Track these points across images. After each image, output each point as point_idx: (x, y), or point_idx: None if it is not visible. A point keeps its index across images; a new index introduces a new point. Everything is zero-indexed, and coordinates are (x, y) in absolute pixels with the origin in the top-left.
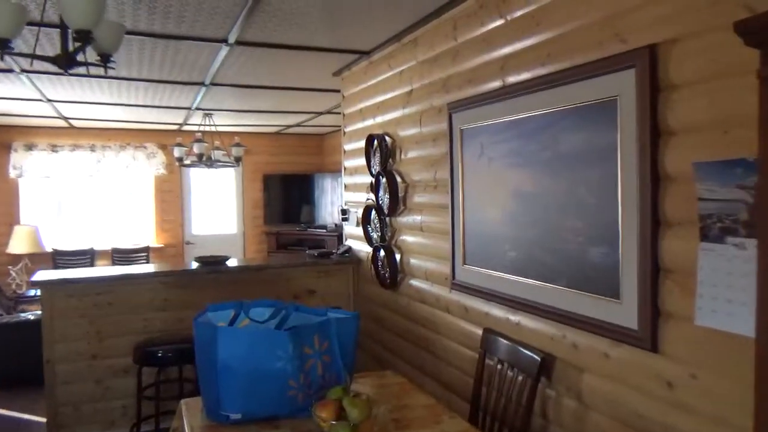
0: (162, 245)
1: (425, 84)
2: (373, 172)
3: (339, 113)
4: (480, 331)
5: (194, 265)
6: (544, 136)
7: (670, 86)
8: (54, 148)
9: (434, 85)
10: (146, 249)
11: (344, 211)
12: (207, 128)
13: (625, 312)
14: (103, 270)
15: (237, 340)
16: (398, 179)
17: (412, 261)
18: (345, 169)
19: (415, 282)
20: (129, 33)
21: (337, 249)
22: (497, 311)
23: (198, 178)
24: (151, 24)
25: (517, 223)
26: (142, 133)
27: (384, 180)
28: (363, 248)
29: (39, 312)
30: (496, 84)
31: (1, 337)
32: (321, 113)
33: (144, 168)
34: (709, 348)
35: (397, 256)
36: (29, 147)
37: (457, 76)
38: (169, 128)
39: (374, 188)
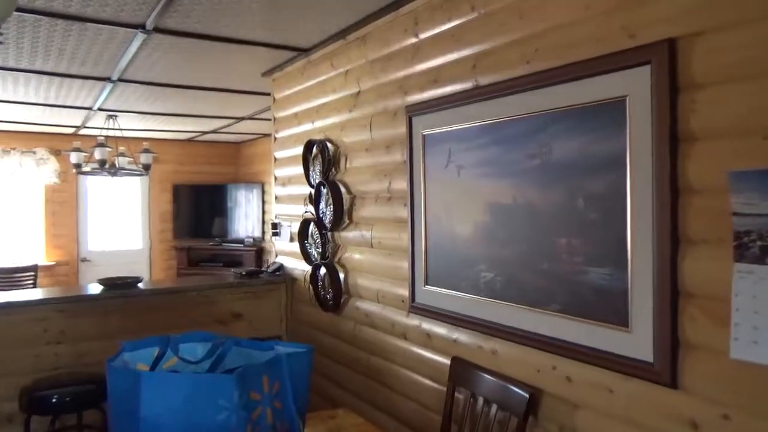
0: (53, 263)
1: (377, 85)
2: (313, 183)
3: (262, 119)
4: (446, 360)
5: (97, 288)
6: (530, 142)
7: (694, 85)
8: None
9: (389, 86)
10: (34, 268)
11: (275, 225)
12: (110, 132)
13: (637, 342)
14: None
15: (167, 389)
16: (343, 190)
17: (360, 281)
18: (276, 178)
19: (363, 304)
20: (22, 10)
21: (267, 267)
22: (467, 338)
23: (97, 188)
24: (50, 1)
25: (494, 241)
26: (30, 137)
27: (326, 191)
28: (298, 266)
29: None
30: (467, 85)
31: None
32: (242, 119)
33: (32, 176)
34: (746, 384)
35: (341, 275)
36: None
37: (418, 76)
38: (64, 131)
39: (314, 200)
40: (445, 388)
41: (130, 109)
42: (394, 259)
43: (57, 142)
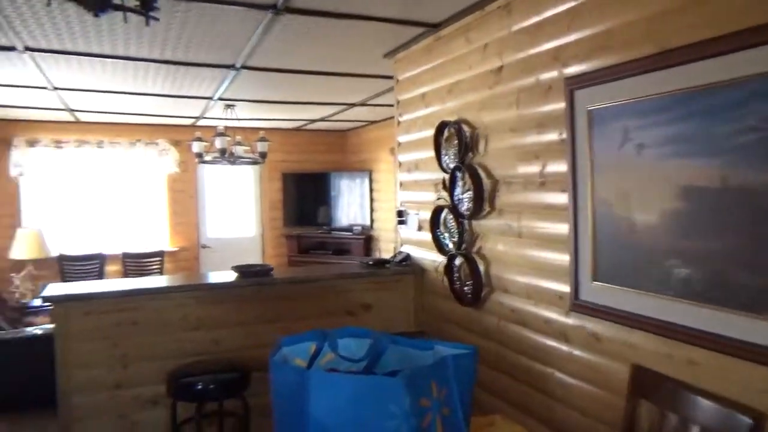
0: (176, 249)
1: (524, 57)
2: (446, 167)
3: (374, 105)
4: (619, 367)
5: (231, 276)
6: (744, 113)
7: None
8: (58, 144)
9: (540, 57)
10: (160, 253)
11: (400, 213)
12: (228, 122)
13: None
14: (125, 282)
15: (335, 391)
16: (482, 175)
17: (504, 274)
18: (400, 165)
19: (508, 299)
20: None
21: (393, 257)
22: (650, 343)
23: (213, 177)
24: None
25: (691, 231)
26: (153, 129)
27: (462, 176)
28: (426, 256)
29: (49, 326)
30: (647, 50)
31: (6, 355)
32: (354, 105)
33: (155, 166)
34: None
35: (481, 267)
36: (31, 143)
37: (578, 44)
38: (183, 123)
39: (448, 186)
40: (618, 399)
41: (247, 97)
42: (547, 250)
43: (176, 134)
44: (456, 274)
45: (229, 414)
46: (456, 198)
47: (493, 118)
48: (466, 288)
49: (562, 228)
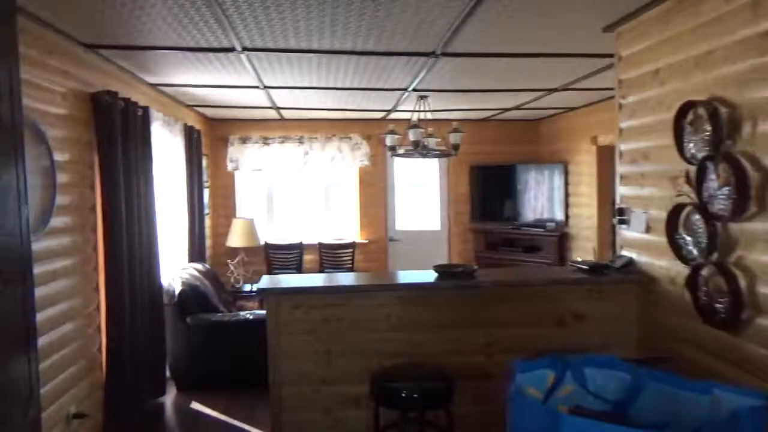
0: (365, 241)
1: None
2: (690, 157)
3: (576, 89)
4: None
5: (431, 276)
6: None
7: None
8: (265, 140)
9: None
10: (352, 245)
11: (621, 211)
12: (417, 115)
13: None
14: (332, 278)
15: None
16: (747, 167)
17: None
18: (621, 155)
19: None
20: None
21: (611, 261)
22: None
23: (401, 170)
24: None
25: None
26: (346, 124)
27: (717, 168)
28: (655, 262)
29: (258, 311)
30: None
31: (223, 336)
32: (554, 90)
33: (348, 160)
34: None
35: (741, 282)
36: (244, 140)
37: None
38: (374, 117)
39: (694, 180)
40: None
41: (441, 87)
42: None
43: (367, 128)
44: (703, 288)
45: (429, 423)
46: (706, 195)
47: (763, 94)
48: (717, 306)
49: None
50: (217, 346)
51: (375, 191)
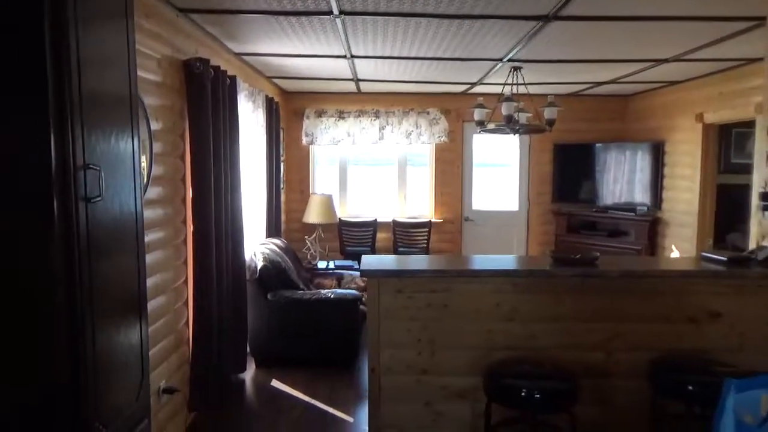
0: (440, 220)
1: None
2: None
3: (694, 60)
4: None
5: (545, 262)
6: None
7: None
8: (341, 114)
9: None
10: (428, 224)
11: (766, 196)
12: (510, 88)
13: None
14: (438, 261)
15: None
16: None
17: None
18: None
19: None
20: None
21: (755, 253)
22: None
23: (479, 147)
24: None
25: None
26: (424, 98)
27: None
28: None
29: (339, 291)
30: None
31: (304, 314)
32: (664, 61)
33: (425, 135)
34: None
35: None
36: (319, 114)
37: None
38: (454, 90)
39: None
40: None
41: (537, 58)
42: None
43: (447, 102)
44: None
45: (544, 424)
46: None
47: None
48: None
49: None
50: (297, 323)
51: (451, 168)
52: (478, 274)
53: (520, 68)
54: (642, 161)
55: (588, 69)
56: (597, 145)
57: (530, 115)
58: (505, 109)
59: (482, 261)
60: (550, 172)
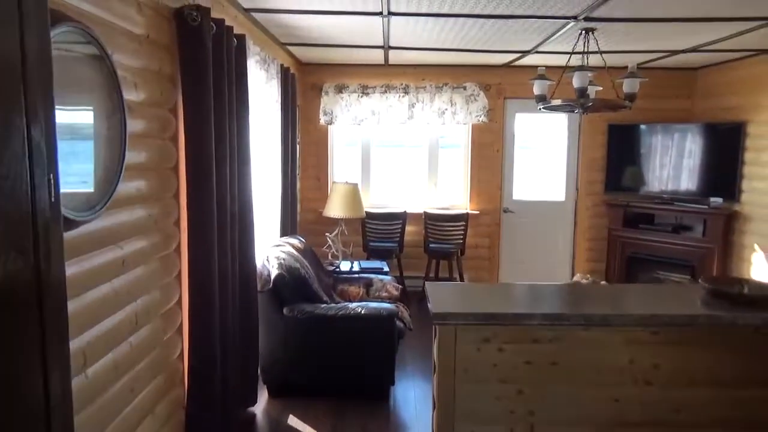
0: (476, 212)
1: None
2: None
3: None
4: None
5: (696, 294)
6: None
7: None
8: (365, 90)
9: None
10: (464, 217)
11: None
12: (576, 57)
13: None
14: (534, 294)
15: None
16: None
17: None
18: None
19: None
20: None
21: None
22: None
23: (522, 128)
24: None
25: None
26: (460, 71)
27: None
28: None
29: (370, 303)
30: None
31: (327, 332)
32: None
33: (461, 114)
34: None
35: None
36: (340, 89)
37: None
38: (495, 62)
39: None
40: None
41: (618, 16)
42: None
43: (487, 76)
44: None
45: None
46: None
47: None
48: None
49: None
50: (319, 344)
51: (491, 153)
52: (602, 320)
53: (593, 30)
54: (714, 145)
55: (677, 31)
56: (658, 125)
57: (600, 88)
58: (577, 80)
59: (601, 297)
60: (603, 157)
